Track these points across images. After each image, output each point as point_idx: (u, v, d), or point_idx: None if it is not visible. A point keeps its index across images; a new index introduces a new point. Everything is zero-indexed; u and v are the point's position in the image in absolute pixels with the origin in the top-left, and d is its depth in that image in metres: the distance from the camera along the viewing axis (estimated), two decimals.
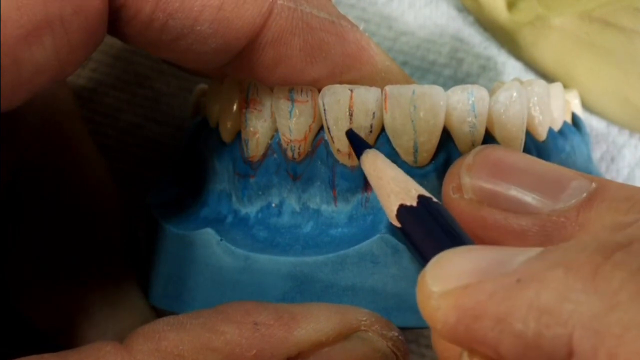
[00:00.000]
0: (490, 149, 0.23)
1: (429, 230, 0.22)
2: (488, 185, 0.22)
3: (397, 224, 0.22)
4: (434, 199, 0.22)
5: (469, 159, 0.23)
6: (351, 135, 0.25)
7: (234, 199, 0.27)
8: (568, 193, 0.21)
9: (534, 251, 0.19)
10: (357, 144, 0.24)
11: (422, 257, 0.21)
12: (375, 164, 0.23)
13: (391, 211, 0.22)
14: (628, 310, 0.16)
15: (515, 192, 0.22)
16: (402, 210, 0.22)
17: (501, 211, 0.22)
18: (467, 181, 0.23)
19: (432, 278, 0.19)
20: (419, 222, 0.22)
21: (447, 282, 0.19)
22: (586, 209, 0.21)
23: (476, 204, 0.22)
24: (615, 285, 0.17)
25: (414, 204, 0.22)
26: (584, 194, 0.21)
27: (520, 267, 0.18)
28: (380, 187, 0.23)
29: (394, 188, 0.22)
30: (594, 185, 0.21)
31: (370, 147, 0.24)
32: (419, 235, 0.22)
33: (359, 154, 0.24)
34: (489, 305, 0.18)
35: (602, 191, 0.21)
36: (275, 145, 0.26)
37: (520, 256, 0.19)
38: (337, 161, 0.25)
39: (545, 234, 0.22)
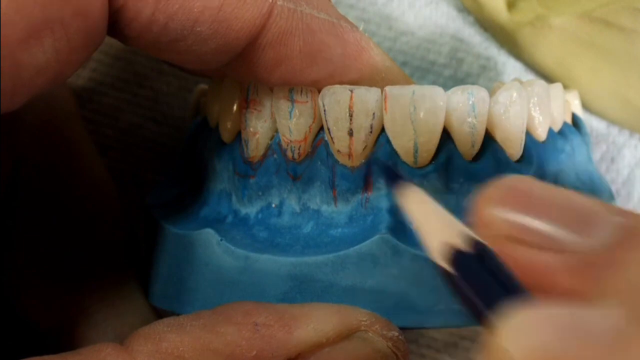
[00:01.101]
0: (512, 180, 0.21)
1: (486, 278, 0.20)
2: (513, 219, 0.20)
3: (447, 267, 0.20)
4: (488, 246, 0.20)
5: (490, 190, 0.21)
6: (385, 169, 0.24)
7: (234, 199, 0.27)
8: (600, 229, 0.20)
9: (610, 317, 0.17)
10: (391, 176, 0.23)
11: (477, 306, 0.19)
12: (417, 200, 0.21)
13: (439, 253, 0.20)
14: None
15: (543, 227, 0.20)
16: (457, 255, 0.20)
17: (527, 248, 0.20)
18: (490, 214, 0.21)
19: (508, 337, 0.17)
20: (474, 268, 0.20)
21: (525, 342, 0.17)
22: (623, 246, 0.19)
23: (502, 240, 0.21)
24: None
25: (467, 248, 0.20)
26: (619, 231, 0.20)
27: (604, 335, 0.17)
28: (425, 227, 0.21)
29: (442, 229, 0.20)
30: (627, 220, 0.20)
31: (406, 180, 0.22)
32: (475, 282, 0.20)
33: (392, 186, 0.22)
34: None
35: (636, 227, 0.20)
36: (275, 146, 0.26)
37: (595, 318, 0.17)
38: (337, 161, 0.25)
39: (576, 272, 0.20)
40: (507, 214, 0.20)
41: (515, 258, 0.20)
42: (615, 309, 0.17)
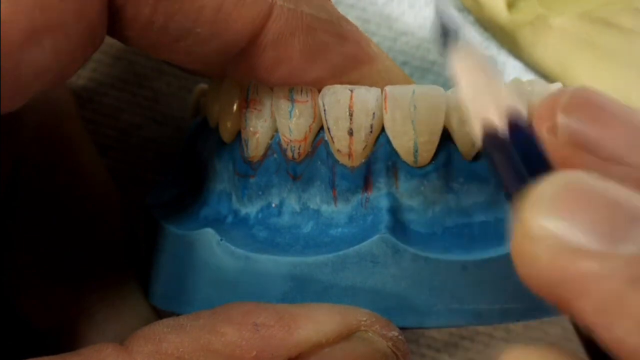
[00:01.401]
0: (588, 92, 0.21)
1: (518, 160, 0.19)
2: (588, 130, 0.20)
3: (482, 144, 0.19)
4: (529, 127, 0.19)
5: (564, 98, 0.20)
6: (441, 24, 0.21)
7: (234, 199, 0.27)
8: None
9: None
10: (446, 34, 0.21)
11: (508, 186, 0.19)
12: (467, 67, 0.20)
13: (477, 131, 0.19)
14: None
15: (613, 143, 0.19)
16: (492, 133, 0.19)
17: (600, 160, 0.20)
18: (564, 122, 0.20)
19: (547, 211, 0.16)
20: (508, 148, 0.19)
21: (561, 229, 0.16)
22: None
23: (573, 148, 0.20)
24: None
25: (504, 127, 0.19)
26: None
27: (635, 259, 0.16)
28: (472, 100, 0.20)
29: (488, 103, 0.19)
30: None
31: (461, 38, 0.21)
32: (502, 163, 0.19)
33: (445, 47, 0.21)
34: (597, 290, 0.16)
35: None
36: (275, 145, 0.26)
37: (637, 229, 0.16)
38: (337, 161, 0.25)
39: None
40: (581, 124, 0.20)
41: (586, 169, 0.19)
42: None
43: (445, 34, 0.21)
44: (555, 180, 0.17)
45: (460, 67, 0.20)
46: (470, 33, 0.36)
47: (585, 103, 0.20)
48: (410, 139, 0.25)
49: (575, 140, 0.20)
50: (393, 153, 0.25)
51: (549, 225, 0.16)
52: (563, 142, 0.20)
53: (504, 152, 0.19)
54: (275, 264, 0.25)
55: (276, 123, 0.26)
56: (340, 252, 0.24)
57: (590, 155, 0.20)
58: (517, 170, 0.19)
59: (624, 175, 0.19)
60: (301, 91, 0.25)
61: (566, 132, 0.20)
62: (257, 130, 0.26)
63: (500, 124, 0.19)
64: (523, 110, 0.19)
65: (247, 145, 0.26)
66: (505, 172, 0.19)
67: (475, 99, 0.19)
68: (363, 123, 0.25)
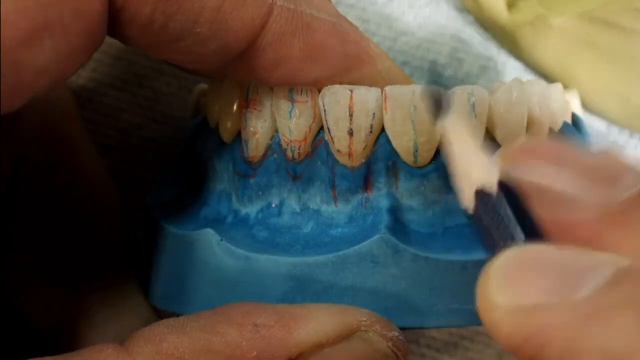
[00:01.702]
0: (535, 140, 0.22)
1: (506, 220, 0.20)
2: (538, 173, 0.20)
3: (471, 206, 0.21)
4: (516, 189, 0.20)
5: (516, 145, 0.21)
6: (431, 94, 0.23)
7: (234, 199, 0.27)
8: (621, 185, 0.20)
9: (607, 270, 0.17)
10: (437, 103, 0.22)
11: (493, 248, 0.20)
12: (458, 135, 0.21)
13: (467, 194, 0.21)
14: None
15: (568, 187, 0.20)
16: (479, 194, 0.20)
17: (551, 203, 0.20)
18: (515, 169, 0.21)
19: (497, 286, 0.18)
20: (496, 210, 0.20)
21: (513, 295, 0.18)
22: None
23: (524, 194, 0.21)
24: None
25: (494, 189, 0.20)
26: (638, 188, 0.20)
27: (592, 299, 0.17)
28: (460, 165, 0.21)
29: (475, 169, 0.21)
30: None
31: (450, 110, 0.22)
32: (491, 224, 0.20)
33: (436, 115, 0.22)
34: (557, 337, 0.17)
35: None
36: (275, 146, 0.26)
37: (593, 275, 0.17)
38: (337, 161, 0.25)
39: (598, 228, 0.20)
40: (524, 174, 0.20)
41: (539, 211, 0.20)
42: (607, 271, 0.18)
43: (437, 104, 0.22)
44: (507, 254, 0.19)
45: (451, 135, 0.21)
46: (471, 34, 0.36)
47: (533, 151, 0.21)
48: (410, 139, 0.25)
49: (526, 186, 0.21)
50: (393, 153, 0.25)
51: (502, 295, 0.18)
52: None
53: (494, 214, 0.20)
54: (275, 264, 0.25)
55: (276, 123, 0.26)
56: (340, 252, 0.24)
57: (544, 201, 0.21)
58: (505, 232, 0.20)
59: (580, 216, 0.20)
60: (301, 91, 0.25)
61: (517, 179, 0.21)
62: (257, 131, 0.26)
63: (490, 188, 0.20)
64: (511, 176, 0.20)
65: (247, 146, 0.26)
66: (494, 234, 0.20)
67: (466, 164, 0.21)
68: (363, 123, 0.25)
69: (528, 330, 0.18)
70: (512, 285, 0.18)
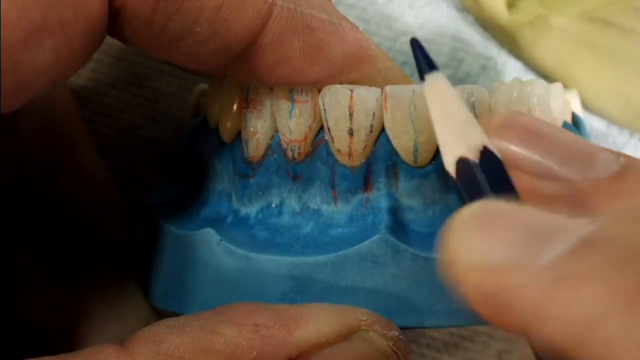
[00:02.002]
0: (517, 114, 0.22)
1: (485, 186, 0.20)
2: (517, 149, 0.21)
3: (452, 173, 0.21)
4: (498, 155, 0.21)
5: (496, 119, 0.22)
6: (416, 46, 0.22)
7: (234, 199, 0.27)
8: (598, 164, 0.21)
9: (576, 233, 0.17)
10: (423, 59, 0.22)
11: None
12: (441, 97, 0.21)
13: (449, 159, 0.21)
14: None
15: (545, 159, 0.21)
16: (463, 163, 0.20)
17: (530, 176, 0.21)
18: (495, 143, 0.21)
19: (462, 238, 0.18)
20: (475, 176, 0.20)
21: (478, 250, 0.18)
22: (619, 180, 0.20)
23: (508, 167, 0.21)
24: None
25: (476, 156, 0.20)
26: (615, 167, 0.20)
27: (558, 262, 0.17)
28: (442, 128, 0.21)
29: (457, 135, 0.21)
30: (622, 159, 0.21)
31: (436, 68, 0.22)
32: (472, 190, 0.20)
33: (422, 73, 0.22)
34: (521, 298, 0.17)
35: (635, 165, 0.20)
36: (275, 145, 0.26)
37: (560, 239, 0.17)
38: (337, 161, 0.25)
39: (575, 201, 0.21)
40: (511, 144, 0.21)
41: (517, 184, 0.20)
42: (574, 236, 0.17)
43: (421, 65, 0.22)
44: (474, 207, 0.18)
45: (432, 98, 0.21)
46: (471, 34, 0.36)
47: (514, 126, 0.21)
48: (410, 139, 0.25)
49: (507, 160, 0.21)
50: (393, 153, 0.25)
51: (465, 250, 0.18)
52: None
53: (473, 179, 0.20)
54: (275, 264, 0.25)
55: (276, 123, 0.26)
56: (341, 252, 0.24)
57: (524, 173, 0.21)
58: (484, 196, 0.20)
59: (557, 190, 0.21)
60: (301, 91, 0.25)
61: (497, 151, 0.21)
62: (257, 130, 0.26)
63: (470, 153, 0.20)
64: (490, 141, 0.20)
65: (247, 146, 0.26)
66: (473, 199, 0.20)
67: (446, 129, 0.21)
68: (363, 123, 0.25)
69: (490, 289, 0.17)
70: (476, 240, 0.18)
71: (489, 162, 0.20)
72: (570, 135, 0.22)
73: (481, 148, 0.20)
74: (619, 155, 0.21)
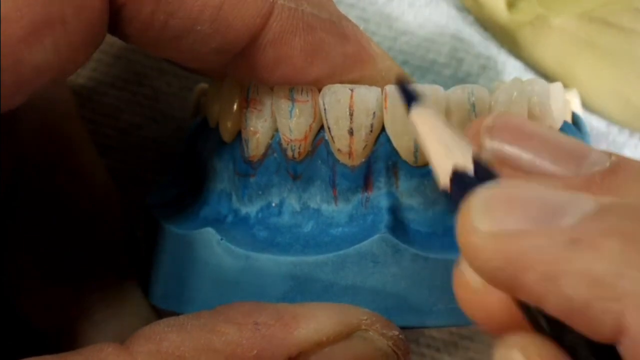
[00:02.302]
0: (509, 114, 0.23)
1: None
2: (510, 149, 0.22)
3: (447, 187, 0.21)
4: (490, 168, 0.21)
5: (489, 121, 0.22)
6: (402, 87, 0.23)
7: (234, 198, 0.27)
8: (589, 162, 0.21)
9: (590, 204, 0.18)
10: (408, 96, 0.23)
11: None
12: (428, 122, 0.22)
13: (443, 175, 0.21)
14: None
15: (537, 159, 0.21)
16: (457, 175, 0.21)
17: (524, 174, 0.22)
18: (487, 143, 0.22)
19: (479, 212, 0.18)
20: (469, 186, 0.21)
21: (496, 222, 0.18)
22: (611, 175, 0.21)
23: (499, 166, 0.22)
24: None
25: (470, 169, 0.21)
26: (607, 164, 0.21)
27: (576, 226, 0.18)
28: (432, 149, 0.22)
29: (448, 151, 0.21)
30: (614, 158, 0.21)
31: (420, 99, 0.23)
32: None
33: (409, 106, 0.23)
34: (540, 260, 0.17)
35: (624, 164, 0.21)
36: (275, 145, 0.26)
37: (576, 207, 0.18)
38: (337, 161, 0.25)
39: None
40: (503, 143, 0.22)
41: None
42: (593, 204, 0.18)
43: (408, 97, 0.22)
44: (490, 186, 0.19)
45: (422, 120, 0.22)
46: (471, 34, 0.36)
47: (506, 126, 0.22)
48: (411, 139, 0.25)
49: (499, 159, 0.22)
50: (393, 152, 0.25)
51: (484, 221, 0.18)
52: (489, 160, 0.22)
53: (468, 189, 0.20)
54: (275, 263, 0.25)
55: (276, 122, 0.26)
56: (341, 252, 0.24)
57: (515, 171, 0.22)
58: None
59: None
60: (301, 91, 0.25)
61: (490, 152, 0.22)
62: (258, 130, 0.26)
63: (463, 168, 0.21)
64: (481, 155, 0.21)
65: (247, 145, 0.26)
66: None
67: (437, 147, 0.21)
68: (363, 122, 0.25)
69: (509, 254, 0.18)
70: (495, 212, 0.18)
71: (482, 172, 0.21)
72: (561, 135, 0.22)
73: (472, 161, 0.21)
74: (609, 154, 0.21)
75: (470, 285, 0.20)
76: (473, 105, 0.25)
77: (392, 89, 0.25)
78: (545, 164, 0.21)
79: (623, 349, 0.17)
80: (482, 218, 0.18)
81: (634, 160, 0.21)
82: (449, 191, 0.21)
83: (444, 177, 0.21)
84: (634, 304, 0.16)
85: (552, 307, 0.17)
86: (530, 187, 0.19)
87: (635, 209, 0.18)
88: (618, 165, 0.21)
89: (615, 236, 0.17)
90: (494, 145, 0.22)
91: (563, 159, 0.21)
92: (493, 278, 0.18)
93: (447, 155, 0.21)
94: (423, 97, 0.23)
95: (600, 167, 0.21)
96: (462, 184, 0.20)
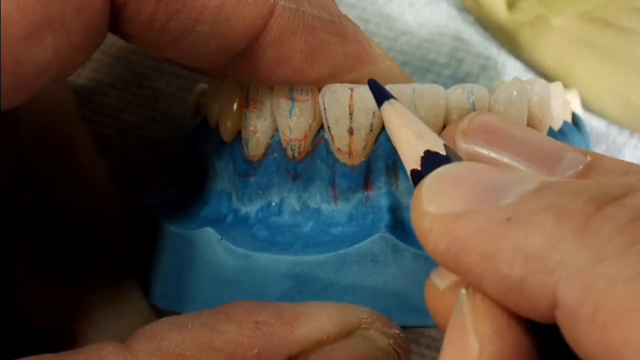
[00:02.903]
0: (484, 116, 0.23)
1: None
2: (483, 151, 0.22)
3: (417, 167, 0.22)
4: (457, 154, 0.22)
5: (463, 123, 0.23)
6: (373, 84, 0.24)
7: (234, 198, 0.27)
8: (563, 164, 0.21)
9: (530, 184, 0.18)
10: (379, 94, 0.24)
11: None
12: (399, 115, 0.23)
13: (412, 157, 0.22)
14: (614, 264, 0.16)
15: (510, 161, 0.22)
16: (428, 155, 0.21)
17: None
18: (462, 146, 0.23)
19: (428, 196, 0.19)
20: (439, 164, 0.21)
21: (442, 204, 0.19)
22: (584, 178, 0.21)
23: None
24: (604, 238, 0.17)
25: (441, 151, 0.21)
26: (580, 166, 0.21)
27: (513, 204, 0.18)
28: (400, 135, 0.23)
29: (416, 138, 0.22)
30: (589, 158, 0.21)
31: (392, 97, 0.24)
32: None
33: (379, 103, 0.24)
34: (477, 240, 0.18)
35: (599, 164, 0.21)
36: (275, 145, 0.26)
37: (516, 187, 0.18)
38: (337, 160, 0.25)
39: None
40: (476, 146, 0.22)
41: None
42: (532, 184, 0.18)
43: (380, 96, 0.24)
44: (439, 170, 0.20)
45: (390, 118, 0.23)
46: (471, 34, 0.36)
47: (478, 128, 0.23)
48: None
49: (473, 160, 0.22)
50: (393, 152, 0.25)
51: (432, 204, 0.19)
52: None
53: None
54: (275, 263, 0.25)
55: (276, 122, 0.26)
56: (341, 251, 0.24)
57: None
58: None
59: None
60: (301, 90, 0.25)
61: (464, 154, 0.22)
62: (257, 130, 0.26)
63: (435, 149, 0.21)
64: (444, 148, 0.22)
65: (247, 145, 0.26)
66: None
67: (408, 134, 0.22)
68: (363, 122, 0.25)
69: (452, 235, 0.18)
70: (441, 194, 0.19)
71: (454, 156, 0.21)
72: (538, 135, 0.23)
73: (443, 147, 0.21)
74: (585, 153, 0.22)
75: (437, 288, 0.20)
76: (473, 105, 0.25)
77: (392, 89, 0.25)
78: (519, 167, 0.21)
79: (560, 324, 0.17)
80: (430, 201, 0.19)
81: (610, 159, 0.21)
82: (418, 172, 0.22)
83: (413, 161, 0.22)
84: (566, 276, 0.17)
85: (491, 287, 0.18)
86: (479, 168, 0.19)
87: (575, 185, 0.18)
88: (591, 167, 0.21)
89: (549, 211, 0.17)
90: (468, 148, 0.22)
91: (537, 162, 0.21)
92: (445, 263, 0.19)
93: (418, 141, 0.22)
94: (393, 95, 0.23)
95: (573, 171, 0.21)
96: (434, 163, 0.21)
